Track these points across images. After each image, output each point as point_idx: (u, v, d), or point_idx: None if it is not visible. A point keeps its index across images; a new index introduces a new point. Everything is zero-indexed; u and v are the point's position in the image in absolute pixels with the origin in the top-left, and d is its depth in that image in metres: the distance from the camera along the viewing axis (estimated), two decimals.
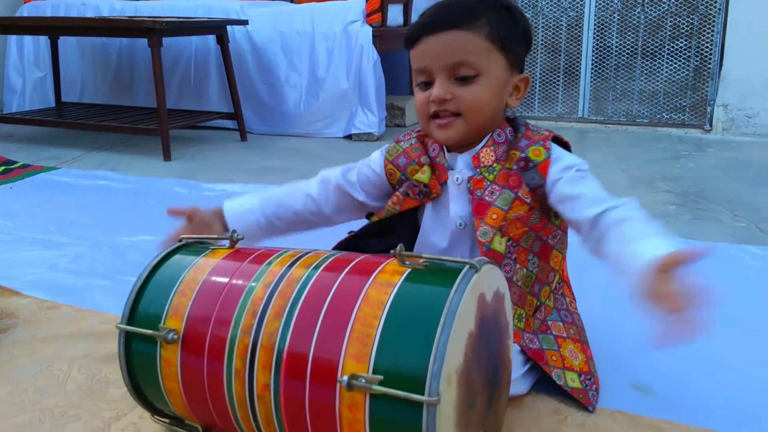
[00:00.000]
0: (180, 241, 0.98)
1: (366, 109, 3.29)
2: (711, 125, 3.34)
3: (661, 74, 3.47)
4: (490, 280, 0.80)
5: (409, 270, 0.78)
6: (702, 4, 3.33)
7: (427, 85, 1.02)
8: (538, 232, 1.04)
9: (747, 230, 1.87)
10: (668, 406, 1.03)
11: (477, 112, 1.00)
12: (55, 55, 3.63)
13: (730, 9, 3.20)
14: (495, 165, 1.03)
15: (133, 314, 0.88)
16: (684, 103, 3.45)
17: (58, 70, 3.68)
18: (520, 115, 1.10)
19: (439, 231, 1.09)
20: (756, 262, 1.62)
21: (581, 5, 3.55)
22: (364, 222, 1.16)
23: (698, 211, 2.07)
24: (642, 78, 3.52)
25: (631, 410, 1.01)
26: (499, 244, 1.01)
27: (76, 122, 3.16)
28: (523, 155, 1.02)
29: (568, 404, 1.03)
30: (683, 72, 3.42)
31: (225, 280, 0.85)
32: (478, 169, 1.04)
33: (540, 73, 3.70)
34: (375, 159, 1.14)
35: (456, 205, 1.06)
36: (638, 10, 3.46)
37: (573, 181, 0.99)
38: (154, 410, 0.94)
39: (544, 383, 1.05)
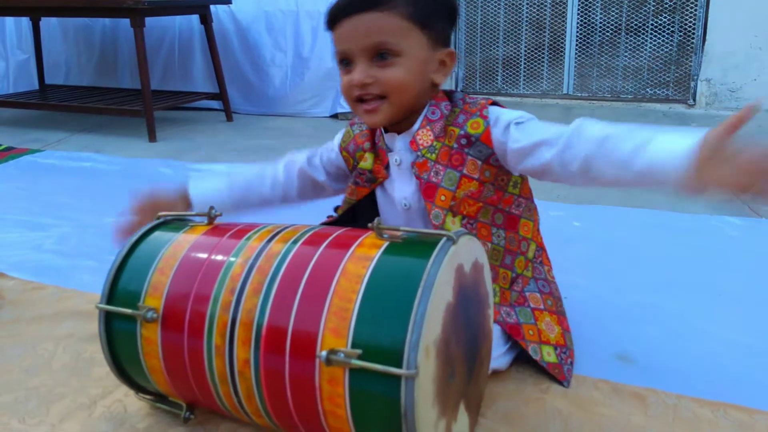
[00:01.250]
0: (158, 218, 0.98)
1: None
2: (695, 100, 3.35)
3: (645, 50, 3.46)
4: (468, 251, 0.81)
5: (387, 243, 0.78)
6: None
7: (349, 65, 1.00)
8: (496, 205, 1.03)
9: (728, 202, 1.88)
10: (650, 375, 1.04)
11: (400, 93, 0.98)
12: (37, 37, 3.59)
13: None
14: (435, 143, 1.02)
15: (112, 293, 0.88)
16: (668, 79, 3.45)
17: (41, 52, 3.63)
18: (460, 90, 1.09)
19: (392, 213, 1.09)
20: (736, 233, 1.64)
21: None
22: (338, 199, 1.18)
23: None
24: (626, 54, 3.51)
25: (613, 379, 1.03)
26: (453, 224, 1.01)
27: (60, 104, 3.13)
28: (462, 132, 1.01)
29: (550, 375, 1.04)
30: (667, 47, 3.42)
31: (203, 256, 0.86)
32: (418, 152, 1.03)
33: (525, 51, 3.69)
34: (335, 143, 1.16)
35: (399, 186, 1.06)
36: None
37: (521, 135, 0.97)
38: (138, 388, 0.95)
39: (526, 354, 1.05)
